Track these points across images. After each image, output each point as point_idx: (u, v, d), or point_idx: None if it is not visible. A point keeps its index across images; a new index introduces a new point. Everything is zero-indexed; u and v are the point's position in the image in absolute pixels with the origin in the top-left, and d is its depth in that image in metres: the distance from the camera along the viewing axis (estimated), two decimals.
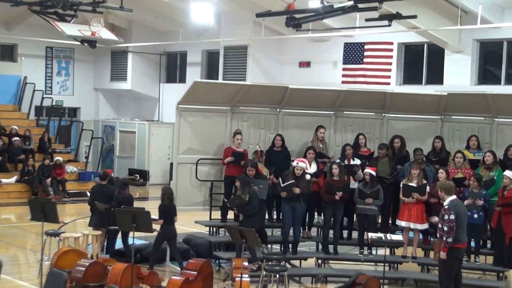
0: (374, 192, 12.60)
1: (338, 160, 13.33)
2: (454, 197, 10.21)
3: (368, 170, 12.75)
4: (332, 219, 12.90)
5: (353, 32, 20.90)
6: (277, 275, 10.98)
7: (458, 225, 9.93)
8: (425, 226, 12.57)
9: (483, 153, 12.98)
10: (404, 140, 13.58)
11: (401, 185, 12.65)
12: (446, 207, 10.04)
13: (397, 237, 11.66)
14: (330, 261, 13.28)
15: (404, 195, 12.52)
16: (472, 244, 12.45)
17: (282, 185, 12.50)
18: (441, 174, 12.23)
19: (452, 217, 9.87)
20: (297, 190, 12.32)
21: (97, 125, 29.12)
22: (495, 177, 12.44)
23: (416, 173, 12.51)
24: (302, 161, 12.60)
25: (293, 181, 12.36)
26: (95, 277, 10.49)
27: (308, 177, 12.52)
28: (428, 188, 12.37)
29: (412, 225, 12.50)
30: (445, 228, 9.91)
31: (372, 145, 14.06)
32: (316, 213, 13.78)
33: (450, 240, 9.91)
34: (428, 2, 18.68)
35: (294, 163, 12.54)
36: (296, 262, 13.16)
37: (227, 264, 12.90)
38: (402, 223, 12.58)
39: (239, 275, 10.16)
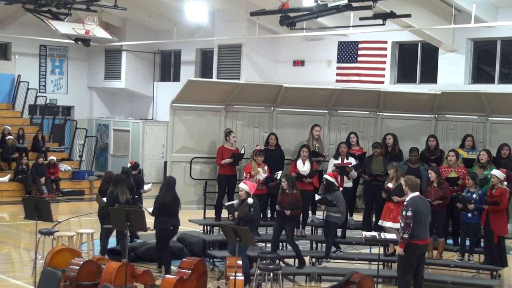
0: (322, 198, 12.13)
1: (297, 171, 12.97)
2: (416, 193, 10.26)
3: (325, 176, 12.42)
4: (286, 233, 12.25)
5: (347, 31, 20.90)
6: (271, 274, 10.99)
7: (416, 221, 9.99)
8: None
9: (477, 151, 12.99)
10: (396, 137, 13.58)
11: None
12: (405, 203, 10.17)
13: (391, 236, 11.63)
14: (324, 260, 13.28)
15: (386, 199, 12.32)
16: (467, 243, 12.48)
17: (225, 204, 12.05)
18: (431, 174, 12.19)
19: (409, 213, 9.95)
20: (234, 214, 11.45)
21: (91, 123, 29.07)
22: (489, 176, 12.44)
23: (391, 173, 12.31)
24: (245, 183, 11.67)
25: (232, 202, 11.80)
26: (89, 276, 10.47)
27: (250, 201, 11.36)
28: None
29: (395, 225, 12.00)
30: (402, 224, 10.01)
31: (366, 144, 14.06)
32: (310, 212, 13.77)
33: (406, 236, 9.99)
34: (422, 1, 18.70)
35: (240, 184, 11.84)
36: (290, 261, 13.16)
37: (221, 262, 12.89)
38: (385, 224, 12.30)
39: (233, 273, 10.16)
